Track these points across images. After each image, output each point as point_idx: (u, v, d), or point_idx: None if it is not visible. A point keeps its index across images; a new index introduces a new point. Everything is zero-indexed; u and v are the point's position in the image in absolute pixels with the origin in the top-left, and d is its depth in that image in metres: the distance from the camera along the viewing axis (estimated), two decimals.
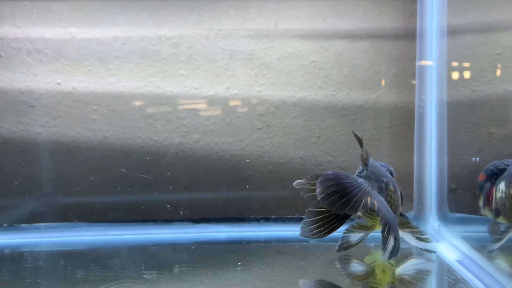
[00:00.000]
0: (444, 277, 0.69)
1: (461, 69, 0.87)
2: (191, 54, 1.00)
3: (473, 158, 0.78)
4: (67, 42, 0.99)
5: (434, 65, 0.91)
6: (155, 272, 0.68)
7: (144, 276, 0.66)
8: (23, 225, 0.95)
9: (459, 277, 0.68)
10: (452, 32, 0.87)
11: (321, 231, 0.73)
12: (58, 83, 0.99)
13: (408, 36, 1.00)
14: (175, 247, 0.84)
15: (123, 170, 0.99)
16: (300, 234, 0.74)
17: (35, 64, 0.98)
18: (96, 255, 0.79)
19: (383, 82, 1.01)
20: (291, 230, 0.90)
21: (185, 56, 1.00)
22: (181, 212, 1.00)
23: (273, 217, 1.00)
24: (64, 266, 0.72)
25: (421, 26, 0.94)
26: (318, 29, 1.01)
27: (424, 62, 0.96)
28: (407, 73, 1.01)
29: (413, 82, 1.00)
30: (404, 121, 1.02)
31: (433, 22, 0.90)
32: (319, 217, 0.73)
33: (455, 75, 0.86)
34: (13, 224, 0.96)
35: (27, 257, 0.78)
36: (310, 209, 0.74)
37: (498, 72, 0.79)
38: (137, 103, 1.00)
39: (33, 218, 0.98)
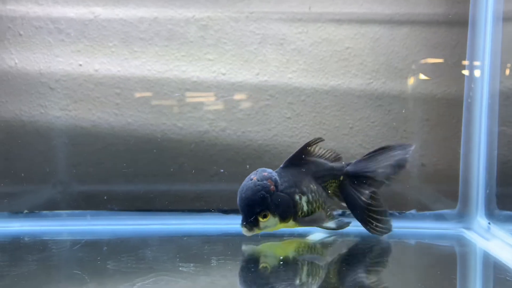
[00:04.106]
0: (508, 278, 0.64)
1: None
2: (220, 38, 0.96)
3: None
4: (90, 22, 0.95)
5: (487, 52, 0.85)
6: (192, 264, 0.63)
7: (180, 269, 0.61)
8: (44, 212, 0.91)
9: None
10: (508, 18, 0.81)
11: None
12: (80, 65, 0.95)
13: (450, 22, 0.94)
14: (208, 239, 0.79)
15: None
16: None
17: (56, 45, 0.95)
18: (126, 246, 0.74)
19: (420, 71, 0.96)
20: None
21: (213, 39, 0.96)
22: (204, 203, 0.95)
23: None
24: (92, 256, 0.67)
25: (474, 11, 0.88)
26: (355, 14, 0.96)
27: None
28: (447, 62, 0.96)
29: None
30: (442, 112, 0.97)
31: (488, 7, 0.84)
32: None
33: (509, 65, 0.81)
34: (33, 210, 0.91)
35: (52, 246, 0.73)
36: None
37: None
38: (162, 87, 0.95)
39: (53, 205, 0.93)
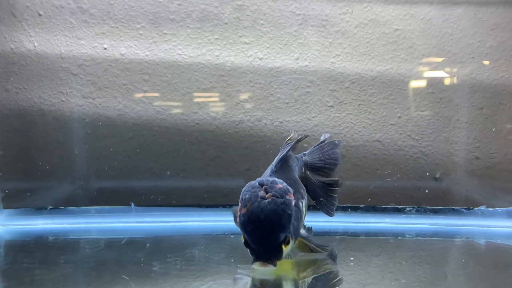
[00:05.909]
0: None
1: None
2: (256, 19, 0.90)
3: None
4: (116, 1, 0.90)
5: None
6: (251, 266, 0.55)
7: (240, 271, 0.53)
8: (70, 208, 0.83)
9: None
10: None
11: None
12: (105, 49, 0.90)
13: (510, 1, 0.87)
14: None
15: None
16: None
17: (79, 26, 0.90)
18: (168, 245, 0.67)
19: (476, 55, 0.88)
20: (378, 222, 0.77)
21: (250, 21, 0.90)
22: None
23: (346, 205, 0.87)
24: (134, 257, 0.59)
25: None
26: None
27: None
28: (506, 45, 0.88)
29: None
30: (499, 101, 0.90)
31: None
32: None
33: None
34: (58, 206, 0.84)
35: (85, 245, 0.65)
36: None
37: None
38: (194, 73, 0.89)
39: (76, 201, 0.87)
